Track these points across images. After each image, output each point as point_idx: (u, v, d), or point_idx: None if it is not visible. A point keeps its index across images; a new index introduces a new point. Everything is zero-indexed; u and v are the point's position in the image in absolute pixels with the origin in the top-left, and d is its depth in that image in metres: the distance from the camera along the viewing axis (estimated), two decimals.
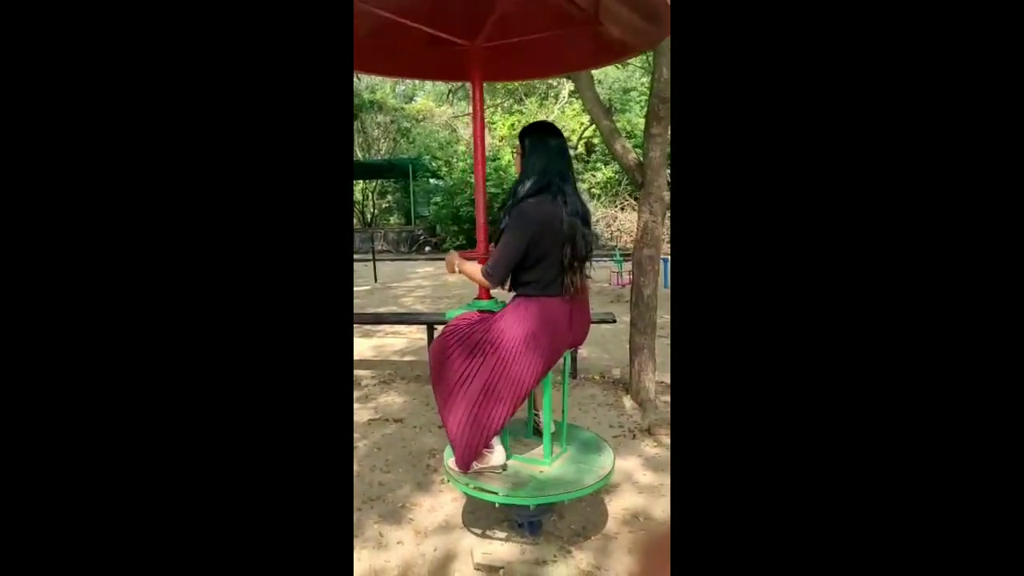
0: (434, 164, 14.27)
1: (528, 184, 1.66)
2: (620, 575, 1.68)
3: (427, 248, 13.92)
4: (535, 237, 1.62)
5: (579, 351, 1.95)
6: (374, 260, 9.13)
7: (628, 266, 3.53)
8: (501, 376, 1.63)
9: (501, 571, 1.66)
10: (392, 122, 17.22)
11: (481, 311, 1.82)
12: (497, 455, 1.73)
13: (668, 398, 3.15)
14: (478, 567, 1.70)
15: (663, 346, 4.11)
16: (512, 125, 13.88)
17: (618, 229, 11.58)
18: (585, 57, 2.30)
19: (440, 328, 2.12)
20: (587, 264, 1.75)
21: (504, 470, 1.76)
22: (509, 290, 1.78)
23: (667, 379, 3.46)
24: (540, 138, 1.72)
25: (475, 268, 1.74)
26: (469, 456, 1.69)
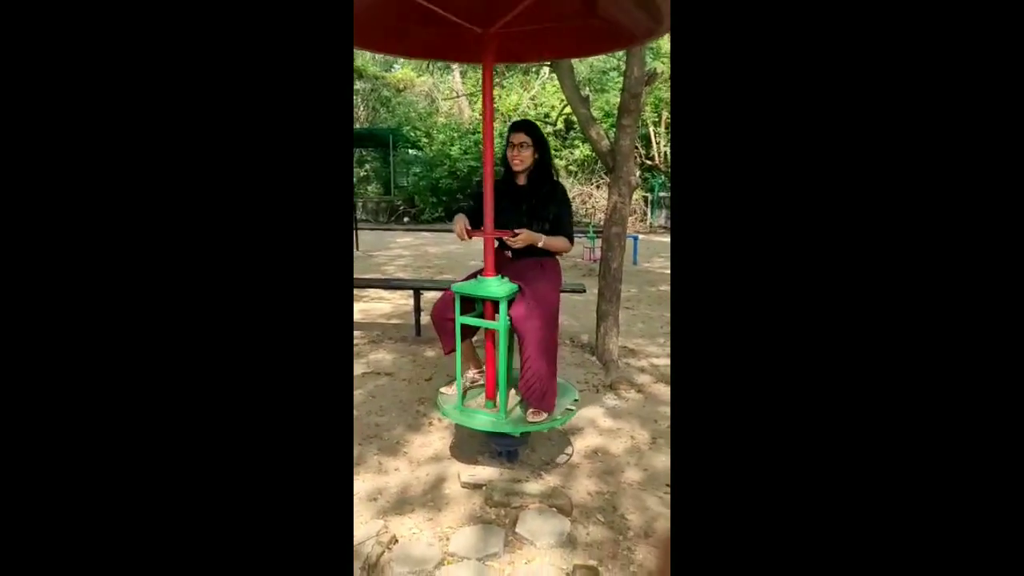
0: (414, 135, 14.34)
1: (551, 169, 2.28)
2: (579, 493, 2.07)
3: (406, 219, 14.08)
4: None
5: None
6: (356, 229, 9.33)
7: (599, 242, 3.89)
8: (557, 326, 2.24)
9: (484, 487, 2.04)
10: (372, 91, 17.12)
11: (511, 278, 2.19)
12: None
13: (629, 359, 3.56)
14: (464, 485, 2.08)
15: (627, 315, 4.52)
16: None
17: (592, 207, 11.91)
18: (593, 42, 2.38)
19: (434, 295, 2.45)
20: None
21: None
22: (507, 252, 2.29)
23: (629, 343, 3.87)
24: (542, 133, 2.26)
25: (558, 240, 2.22)
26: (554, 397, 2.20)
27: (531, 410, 2.13)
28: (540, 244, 2.17)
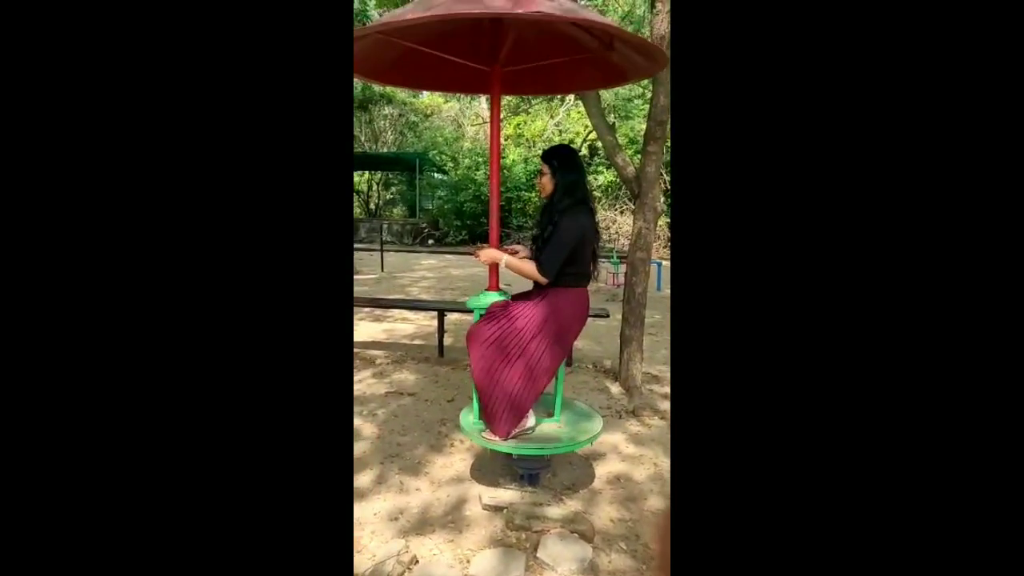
0: (440, 159, 14.59)
1: (568, 198, 2.12)
2: (601, 519, 2.05)
3: (430, 241, 14.24)
4: (580, 241, 2.08)
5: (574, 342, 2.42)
6: (382, 250, 9.46)
7: (624, 267, 3.90)
8: (543, 356, 2.09)
9: (505, 510, 2.03)
10: (400, 115, 17.50)
11: (514, 299, 2.21)
12: (529, 420, 2.19)
13: (653, 386, 3.53)
14: (486, 507, 2.07)
15: (650, 341, 4.49)
16: (518, 124, 14.22)
17: (616, 232, 11.90)
18: (590, 79, 2.67)
19: (457, 316, 2.48)
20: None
21: (533, 431, 2.21)
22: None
23: (652, 370, 3.83)
24: (571, 160, 2.18)
25: (527, 265, 2.11)
26: (512, 426, 2.12)
27: (487, 430, 2.17)
28: (502, 264, 2.13)
